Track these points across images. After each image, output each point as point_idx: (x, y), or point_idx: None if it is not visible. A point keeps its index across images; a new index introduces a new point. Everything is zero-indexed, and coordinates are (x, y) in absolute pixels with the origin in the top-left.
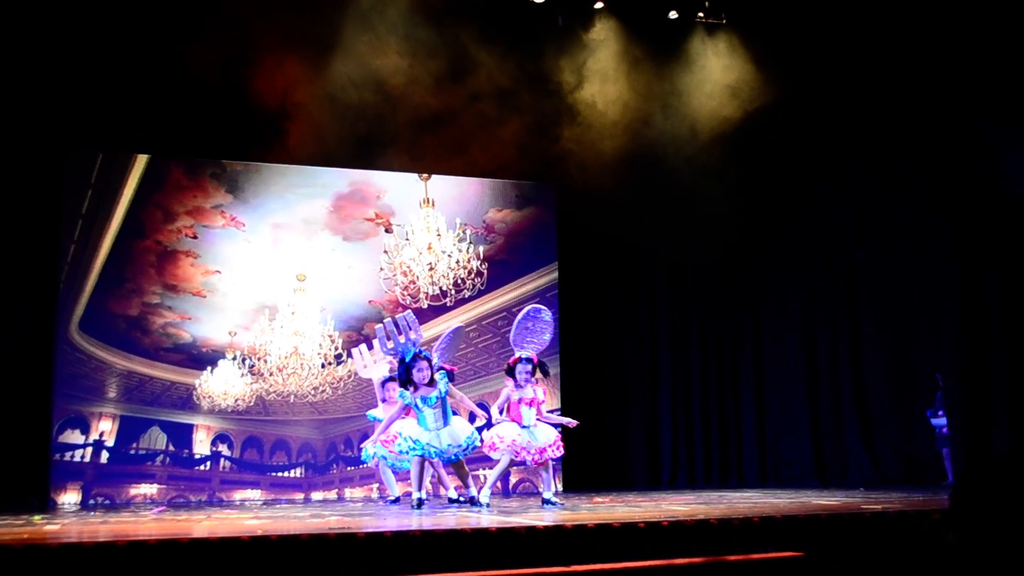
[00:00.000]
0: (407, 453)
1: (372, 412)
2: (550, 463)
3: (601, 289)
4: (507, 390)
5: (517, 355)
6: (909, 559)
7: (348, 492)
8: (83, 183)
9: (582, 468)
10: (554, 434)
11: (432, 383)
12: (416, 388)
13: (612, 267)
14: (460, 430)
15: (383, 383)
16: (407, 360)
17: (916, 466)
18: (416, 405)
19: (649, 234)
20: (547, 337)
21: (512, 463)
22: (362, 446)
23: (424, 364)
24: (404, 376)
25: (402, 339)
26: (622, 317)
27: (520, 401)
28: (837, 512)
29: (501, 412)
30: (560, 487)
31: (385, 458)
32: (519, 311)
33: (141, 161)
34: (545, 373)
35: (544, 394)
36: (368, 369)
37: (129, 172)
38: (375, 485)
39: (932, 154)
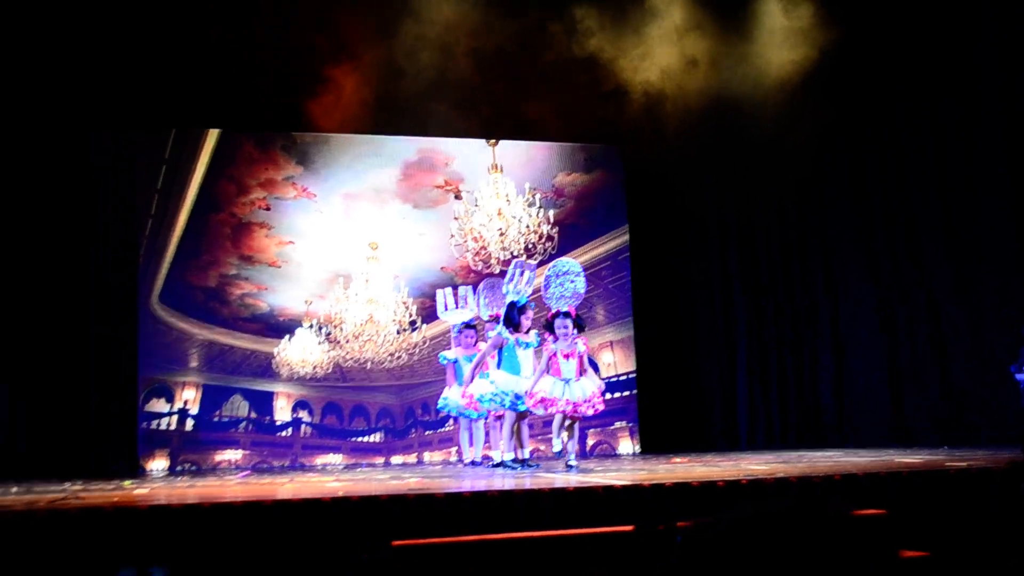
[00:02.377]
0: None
1: (445, 353)
2: (576, 423)
3: (672, 249)
4: (489, 344)
5: (555, 309)
6: (993, 515)
7: (427, 455)
8: (157, 159)
9: (659, 429)
10: (593, 389)
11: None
12: (517, 331)
13: (683, 227)
14: (588, 383)
15: (460, 329)
16: (519, 304)
17: (1000, 423)
18: (513, 345)
19: (719, 191)
20: (577, 288)
21: (524, 416)
22: (445, 396)
23: (531, 315)
24: (515, 319)
25: (523, 284)
26: (695, 277)
27: (557, 354)
28: (920, 470)
29: (476, 370)
30: (638, 448)
31: (467, 416)
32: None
33: (212, 136)
34: (580, 327)
35: (585, 345)
36: (449, 312)
37: (201, 147)
38: (454, 448)
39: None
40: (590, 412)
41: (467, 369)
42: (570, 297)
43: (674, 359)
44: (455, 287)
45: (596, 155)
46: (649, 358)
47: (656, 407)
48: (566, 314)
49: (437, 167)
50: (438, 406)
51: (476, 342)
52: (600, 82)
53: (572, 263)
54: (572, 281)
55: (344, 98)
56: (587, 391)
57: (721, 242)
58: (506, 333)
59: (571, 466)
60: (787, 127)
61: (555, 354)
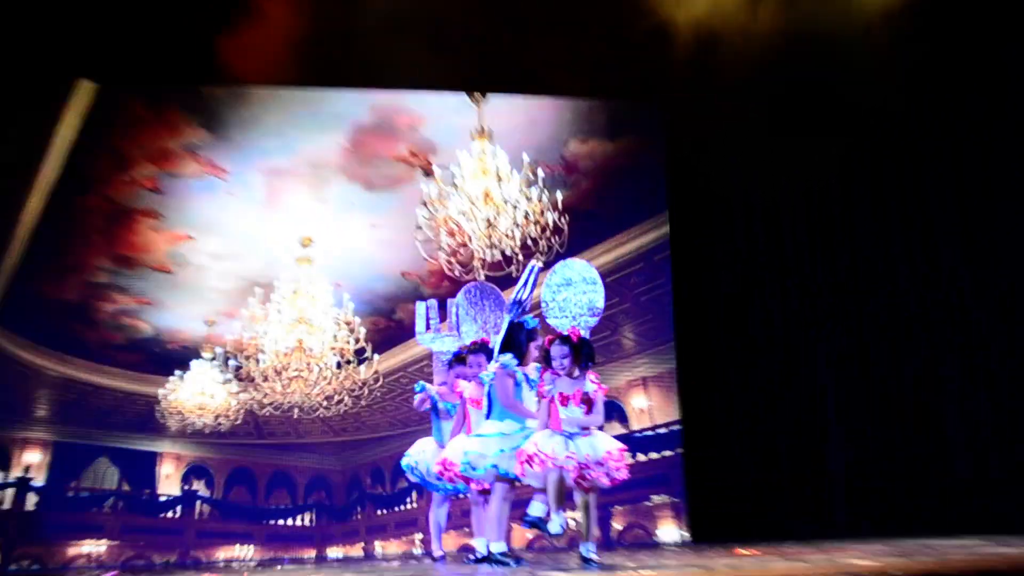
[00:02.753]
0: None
1: (425, 383)
2: (592, 496)
3: (730, 248)
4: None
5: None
6: None
7: (380, 546)
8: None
9: (716, 507)
10: (609, 447)
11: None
12: (522, 363)
13: (744, 216)
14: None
15: (448, 364)
16: (528, 327)
17: None
18: (521, 383)
19: (796, 167)
20: (594, 303)
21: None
22: (412, 453)
23: (539, 342)
24: (522, 343)
25: (526, 293)
26: (763, 286)
27: (554, 398)
28: None
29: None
30: (686, 534)
31: (442, 490)
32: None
33: (85, 90)
34: (588, 358)
35: (596, 383)
36: (431, 336)
37: (65, 106)
38: (418, 536)
39: None
40: (605, 482)
41: (455, 422)
42: (580, 314)
43: (734, 404)
44: (441, 300)
45: (625, 116)
46: (699, 403)
47: (711, 474)
48: (564, 339)
49: (399, 132)
50: (403, 465)
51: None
52: (631, 19)
53: (583, 266)
54: (584, 292)
55: (270, 35)
56: (599, 449)
57: (799, 237)
58: (513, 364)
59: (589, 560)
60: (883, 72)
61: (551, 398)
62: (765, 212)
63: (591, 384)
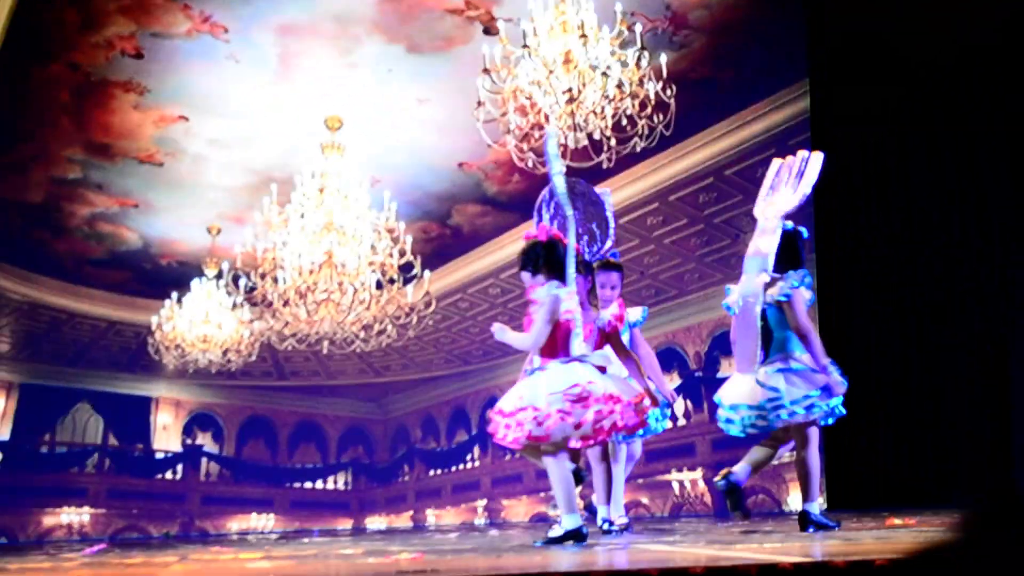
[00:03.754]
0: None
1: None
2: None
3: (897, 135)
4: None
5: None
6: None
7: (432, 515)
8: None
9: (855, 470)
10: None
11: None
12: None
13: (918, 89)
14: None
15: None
16: (591, 261)
17: None
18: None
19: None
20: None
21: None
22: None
23: (615, 278)
24: (587, 286)
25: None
26: (936, 188)
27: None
28: None
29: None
30: (823, 503)
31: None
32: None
33: None
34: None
35: (622, 308)
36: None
37: None
38: (481, 502)
39: None
40: (622, 422)
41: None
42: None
43: (882, 347)
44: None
45: None
46: (841, 341)
47: (854, 431)
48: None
49: None
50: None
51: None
52: None
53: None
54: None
55: None
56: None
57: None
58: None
59: (612, 527)
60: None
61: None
62: (962, 91)
63: (616, 309)
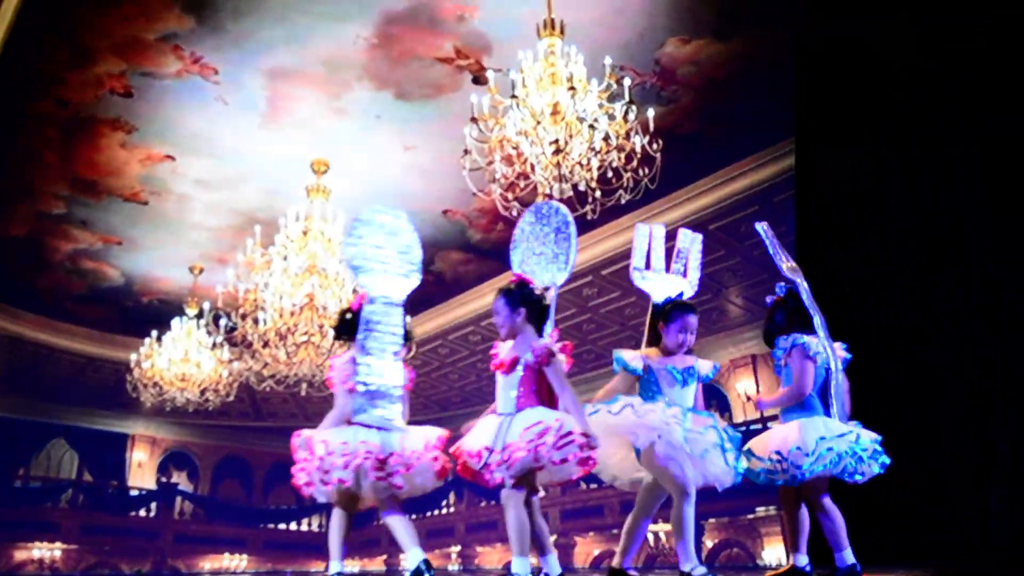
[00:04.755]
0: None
1: (624, 355)
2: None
3: (893, 186)
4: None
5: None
6: None
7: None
8: None
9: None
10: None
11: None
12: (665, 353)
13: (912, 150)
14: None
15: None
16: (674, 304)
17: None
18: (657, 381)
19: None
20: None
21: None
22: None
23: (693, 321)
24: (653, 329)
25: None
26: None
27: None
28: None
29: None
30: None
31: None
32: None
33: None
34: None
35: (565, 351)
36: (652, 278)
37: None
38: (455, 548)
39: None
40: (567, 469)
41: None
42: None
43: (872, 389)
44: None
45: (741, 5)
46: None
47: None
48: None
49: (442, 23)
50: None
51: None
52: None
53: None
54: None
55: None
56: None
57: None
58: (637, 363)
59: None
60: None
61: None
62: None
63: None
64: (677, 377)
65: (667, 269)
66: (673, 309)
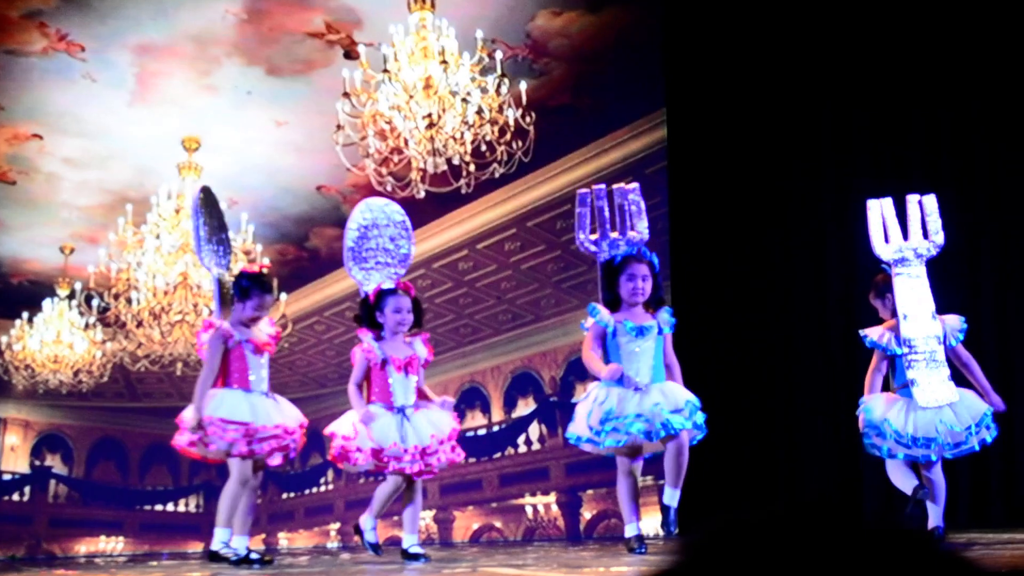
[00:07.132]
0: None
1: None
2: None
3: (752, 159)
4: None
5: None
6: None
7: (284, 538)
8: None
9: (713, 489)
10: (447, 423)
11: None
12: (618, 308)
13: (784, 121)
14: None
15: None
16: (617, 261)
17: None
18: (615, 335)
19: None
20: (402, 250)
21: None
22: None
23: (645, 270)
24: (607, 288)
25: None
26: (786, 205)
27: (387, 362)
28: None
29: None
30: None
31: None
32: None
33: None
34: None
35: (427, 346)
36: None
37: None
38: (334, 525)
39: None
40: (436, 462)
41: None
42: (394, 262)
43: (745, 366)
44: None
45: None
46: (697, 363)
47: (711, 450)
48: (394, 291)
49: None
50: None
51: None
52: None
53: (392, 207)
54: (403, 237)
55: None
56: (439, 427)
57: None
58: (606, 317)
59: (414, 555)
60: None
61: (383, 363)
62: (822, 114)
63: (422, 348)
64: (632, 332)
65: (617, 229)
66: (622, 262)
